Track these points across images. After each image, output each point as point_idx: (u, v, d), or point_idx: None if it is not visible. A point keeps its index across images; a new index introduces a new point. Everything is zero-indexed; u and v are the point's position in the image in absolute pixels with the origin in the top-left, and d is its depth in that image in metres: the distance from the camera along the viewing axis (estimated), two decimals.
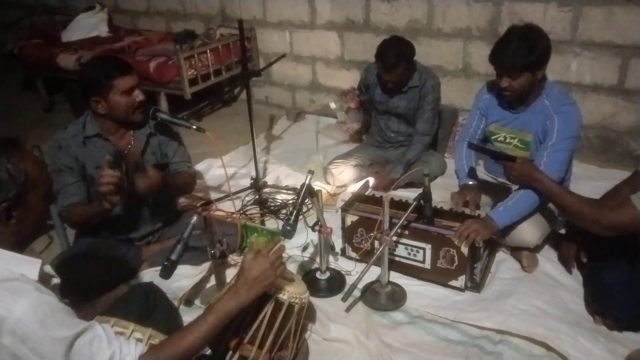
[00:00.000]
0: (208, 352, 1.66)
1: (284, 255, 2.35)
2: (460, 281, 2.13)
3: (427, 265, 2.18)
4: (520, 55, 2.00)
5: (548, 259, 2.28)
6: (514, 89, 2.10)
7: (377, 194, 2.44)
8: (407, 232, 2.17)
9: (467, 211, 2.25)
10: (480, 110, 2.39)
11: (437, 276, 2.18)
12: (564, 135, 2.07)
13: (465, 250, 2.04)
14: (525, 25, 2.09)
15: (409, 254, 2.21)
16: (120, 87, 2.03)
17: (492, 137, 2.36)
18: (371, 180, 2.89)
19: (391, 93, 2.92)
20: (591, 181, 2.84)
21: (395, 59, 2.71)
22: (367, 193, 2.51)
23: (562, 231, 2.38)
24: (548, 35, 2.06)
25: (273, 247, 1.50)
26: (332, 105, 2.83)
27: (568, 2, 3.00)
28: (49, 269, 1.31)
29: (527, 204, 2.09)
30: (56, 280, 1.35)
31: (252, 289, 1.41)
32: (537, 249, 2.28)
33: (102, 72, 2.02)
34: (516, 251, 2.29)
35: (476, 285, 2.14)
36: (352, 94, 2.89)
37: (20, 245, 1.23)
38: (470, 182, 2.42)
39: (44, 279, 1.24)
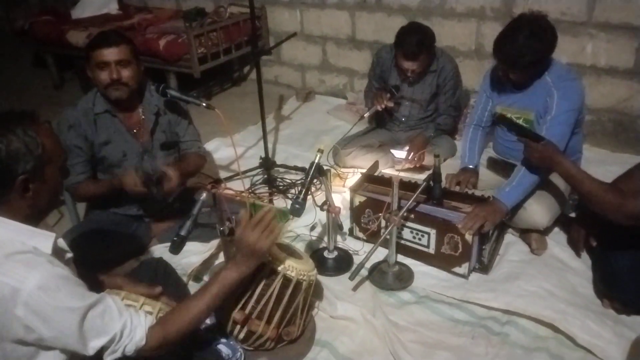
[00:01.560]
0: (214, 321, 1.69)
1: (292, 233, 2.40)
2: (464, 268, 2.10)
3: (432, 250, 2.16)
4: (527, 55, 2.01)
5: (557, 242, 2.28)
6: (520, 77, 2.15)
7: (387, 174, 2.43)
8: (413, 215, 2.15)
9: (477, 193, 2.24)
10: (486, 92, 2.42)
11: (440, 262, 2.16)
12: (562, 109, 2.06)
13: (469, 237, 2.02)
14: (533, 19, 2.05)
15: (414, 237, 2.19)
16: (94, 59, 2.01)
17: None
18: (388, 158, 2.89)
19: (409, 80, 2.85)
20: (602, 165, 2.81)
21: (416, 48, 2.63)
22: (376, 173, 2.50)
23: (572, 214, 2.37)
24: (554, 28, 2.05)
25: (261, 217, 1.42)
26: (366, 115, 2.85)
27: None
28: (62, 243, 1.32)
29: (532, 179, 2.08)
30: (69, 255, 1.37)
31: (247, 260, 1.41)
32: (546, 231, 2.27)
33: (90, 42, 2.04)
34: (525, 233, 2.28)
35: (484, 267, 2.14)
36: (381, 96, 2.79)
37: (34, 218, 1.24)
38: (470, 166, 2.46)
39: (57, 252, 1.26)
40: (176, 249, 1.81)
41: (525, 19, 2.06)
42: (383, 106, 2.78)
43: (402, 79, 2.85)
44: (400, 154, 2.89)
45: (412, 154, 2.82)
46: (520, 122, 2.27)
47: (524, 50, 2.00)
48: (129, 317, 1.23)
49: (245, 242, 1.40)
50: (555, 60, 2.17)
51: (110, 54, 1.99)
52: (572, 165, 1.90)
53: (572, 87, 2.10)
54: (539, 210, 2.16)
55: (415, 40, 2.62)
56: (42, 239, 1.20)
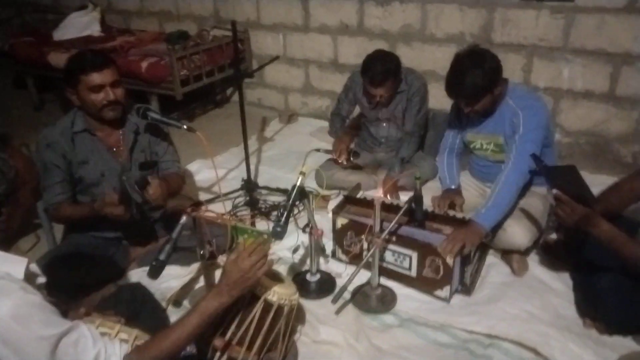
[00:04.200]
0: (194, 351, 1.64)
1: (275, 257, 2.37)
2: (445, 291, 2.09)
3: (413, 273, 2.15)
4: (473, 87, 2.09)
5: (538, 263, 2.29)
6: (477, 111, 2.20)
7: (369, 196, 2.44)
8: (394, 238, 2.14)
9: (459, 215, 2.24)
10: (454, 122, 2.49)
11: (422, 285, 2.15)
12: (530, 127, 2.12)
13: (450, 261, 2.01)
14: (470, 52, 2.16)
15: (396, 260, 2.18)
16: (87, 83, 2.01)
17: (471, 146, 2.43)
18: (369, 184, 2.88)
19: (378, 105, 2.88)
20: None
21: (382, 76, 2.67)
22: (358, 196, 2.50)
23: (553, 235, 2.39)
24: (492, 52, 2.16)
25: (255, 247, 1.47)
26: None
27: (561, 9, 3.02)
28: (34, 267, 1.29)
29: (507, 199, 2.11)
30: (41, 279, 1.33)
31: (233, 289, 1.40)
32: (527, 252, 2.28)
33: (76, 64, 2.02)
34: (506, 255, 2.29)
35: (466, 289, 2.13)
36: (342, 153, 2.89)
37: (6, 242, 1.21)
38: (453, 187, 2.50)
39: (29, 277, 1.22)
40: (155, 274, 1.77)
41: (463, 54, 2.17)
42: (340, 161, 2.89)
43: (372, 106, 2.88)
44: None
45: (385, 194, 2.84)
46: (491, 147, 2.32)
47: (470, 82, 2.08)
48: (103, 347, 1.19)
49: (238, 271, 1.40)
50: (513, 83, 2.25)
51: (105, 76, 2.01)
52: (611, 229, 1.74)
53: (537, 107, 2.18)
54: (519, 232, 2.17)
55: (381, 69, 2.66)
56: (15, 265, 1.17)
